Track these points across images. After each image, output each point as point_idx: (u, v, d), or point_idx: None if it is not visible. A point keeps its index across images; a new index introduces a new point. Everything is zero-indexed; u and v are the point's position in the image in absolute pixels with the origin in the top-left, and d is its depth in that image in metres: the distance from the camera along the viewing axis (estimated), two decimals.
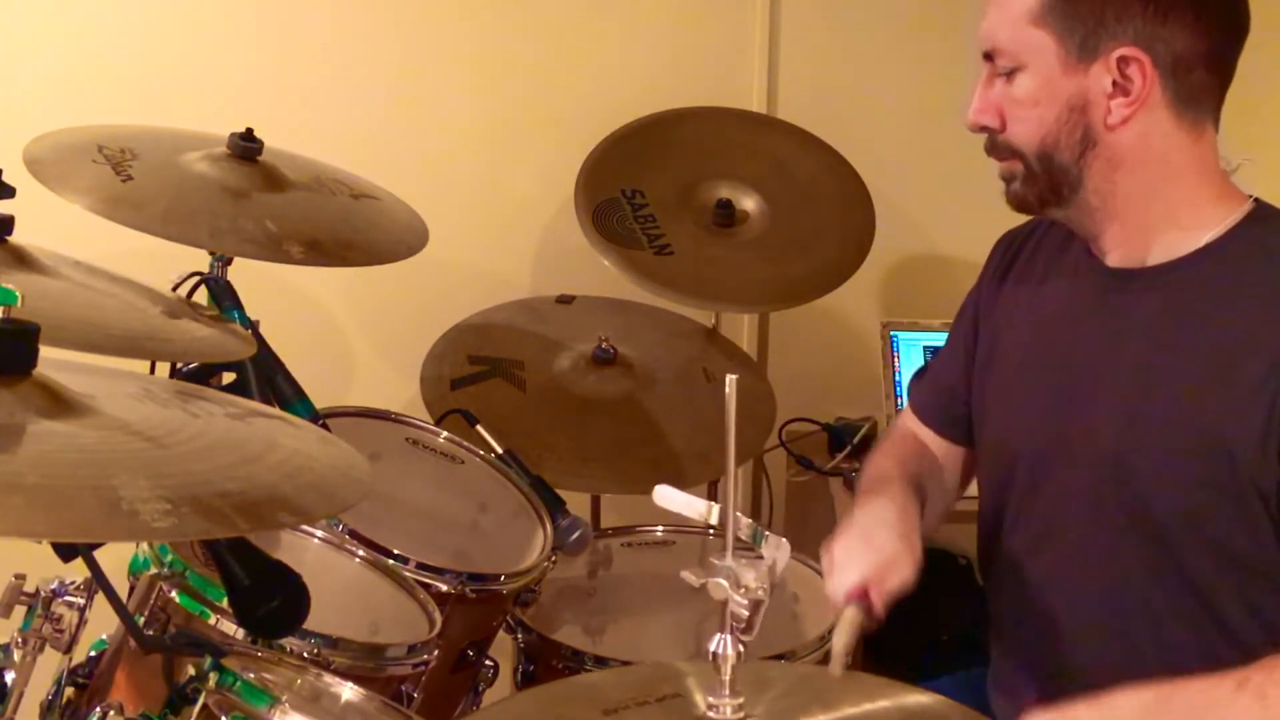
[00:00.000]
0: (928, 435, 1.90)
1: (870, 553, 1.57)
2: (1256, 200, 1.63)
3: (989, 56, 1.63)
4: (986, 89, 1.63)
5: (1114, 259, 1.65)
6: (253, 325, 2.03)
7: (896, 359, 2.77)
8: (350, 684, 1.67)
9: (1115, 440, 1.61)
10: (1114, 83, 1.56)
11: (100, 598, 1.51)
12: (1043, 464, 1.69)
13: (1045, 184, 1.62)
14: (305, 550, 1.94)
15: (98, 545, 1.35)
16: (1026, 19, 1.58)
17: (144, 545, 1.78)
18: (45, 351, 1.22)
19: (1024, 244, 1.81)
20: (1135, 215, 1.62)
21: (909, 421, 1.93)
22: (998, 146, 1.65)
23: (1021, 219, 1.79)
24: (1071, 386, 1.67)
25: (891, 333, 2.79)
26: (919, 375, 1.98)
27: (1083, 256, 1.69)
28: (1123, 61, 1.55)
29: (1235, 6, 1.60)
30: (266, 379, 1.92)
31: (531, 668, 2.11)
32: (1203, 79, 1.58)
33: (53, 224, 1.80)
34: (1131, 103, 1.56)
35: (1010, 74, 1.61)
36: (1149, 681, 1.40)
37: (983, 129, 1.65)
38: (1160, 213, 1.61)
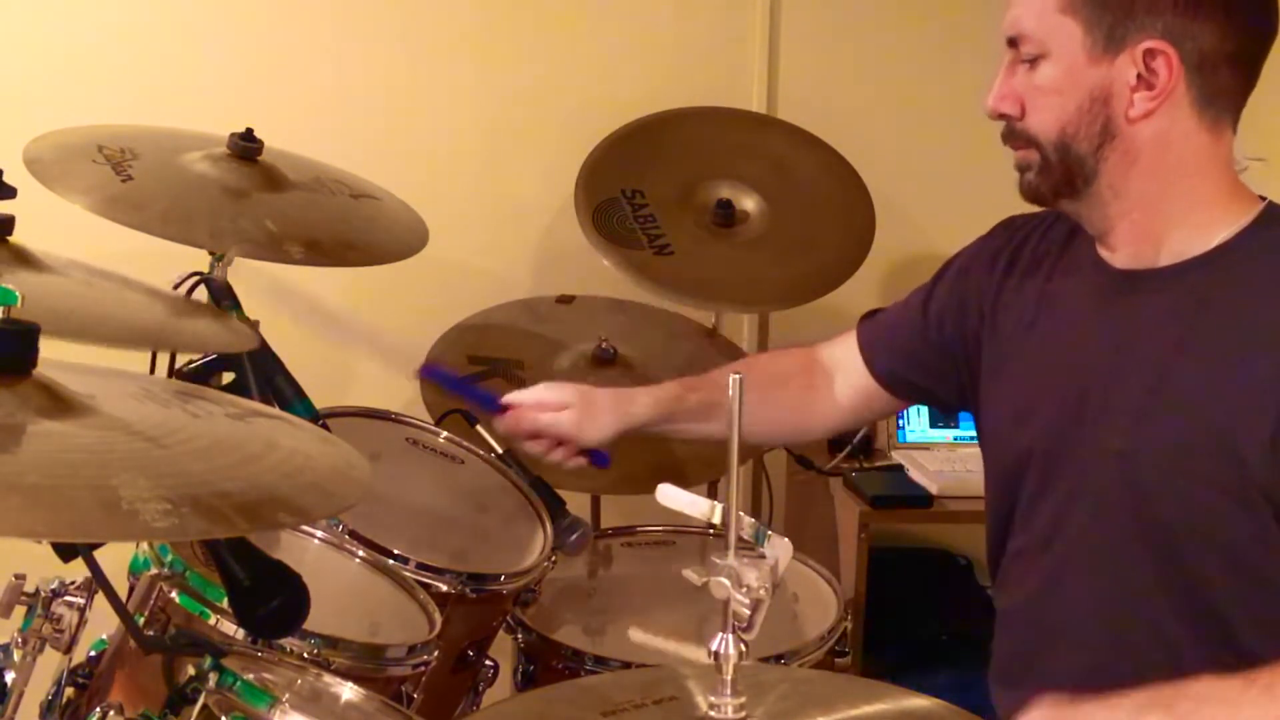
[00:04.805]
0: (856, 365, 1.91)
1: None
2: (1268, 201, 1.62)
3: (1013, 43, 1.61)
4: (1009, 76, 1.61)
5: (1122, 258, 1.64)
6: (252, 326, 2.03)
7: None
8: (350, 684, 1.66)
9: (1124, 441, 1.60)
10: (1139, 75, 1.55)
11: (100, 598, 1.50)
12: (1053, 465, 1.68)
13: (1060, 175, 1.61)
14: (305, 550, 1.94)
15: (98, 545, 1.35)
16: (1055, 6, 1.57)
17: (144, 545, 1.78)
18: (46, 351, 1.21)
19: (1029, 236, 1.78)
20: (1148, 212, 1.60)
21: (823, 352, 1.96)
22: (1015, 134, 1.63)
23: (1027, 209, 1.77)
24: (1083, 388, 1.65)
25: None
26: (871, 315, 1.96)
27: (1089, 256, 1.68)
28: (1149, 54, 1.54)
29: (1267, 8, 1.59)
30: (266, 379, 1.92)
31: (531, 668, 2.11)
32: (1228, 78, 1.57)
33: (53, 224, 1.80)
34: (1155, 97, 1.55)
35: (1034, 61, 1.59)
36: (1151, 682, 1.39)
37: (1001, 116, 1.63)
38: (1173, 211, 1.60)
